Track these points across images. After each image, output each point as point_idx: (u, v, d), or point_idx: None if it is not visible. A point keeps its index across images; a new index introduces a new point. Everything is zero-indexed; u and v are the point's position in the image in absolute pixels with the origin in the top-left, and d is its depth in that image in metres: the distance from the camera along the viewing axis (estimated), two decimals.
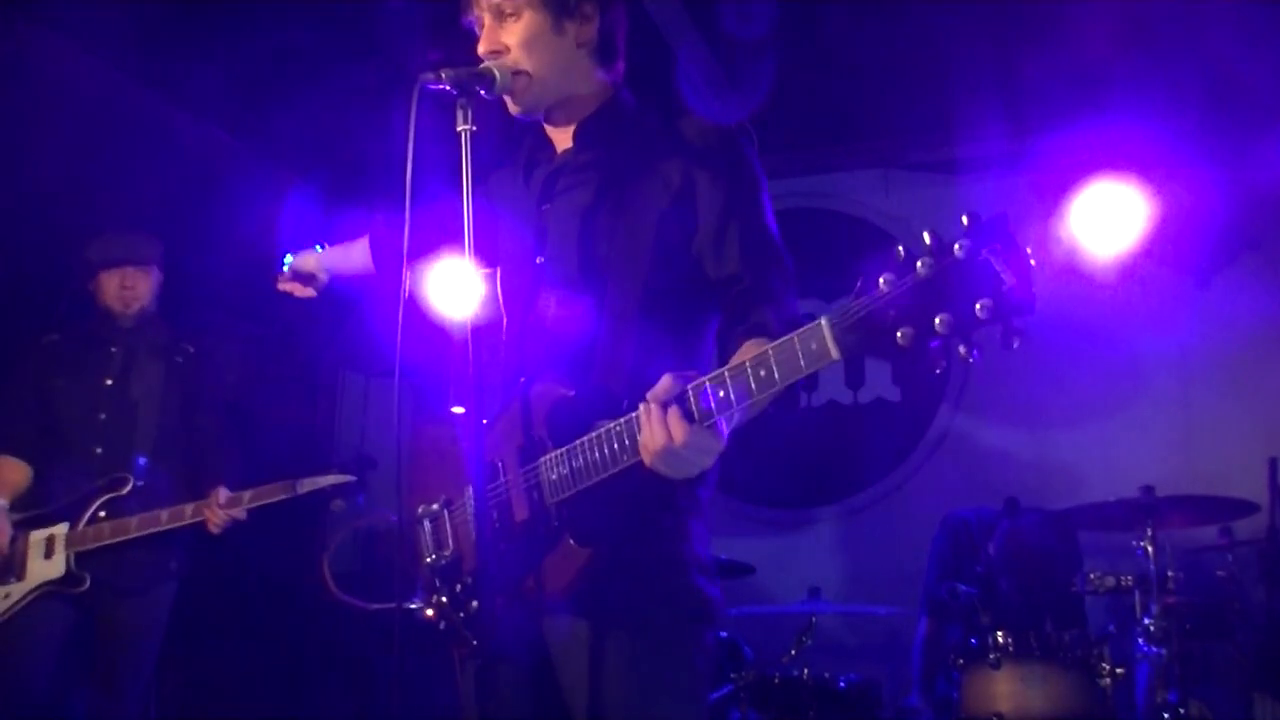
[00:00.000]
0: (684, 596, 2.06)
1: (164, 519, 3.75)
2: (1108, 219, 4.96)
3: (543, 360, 2.12)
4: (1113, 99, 4.82)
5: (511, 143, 2.40)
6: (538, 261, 2.22)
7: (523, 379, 2.11)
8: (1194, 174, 5.15)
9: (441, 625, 2.10)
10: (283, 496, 3.74)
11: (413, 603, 2.15)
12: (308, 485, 3.73)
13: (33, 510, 3.87)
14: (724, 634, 4.37)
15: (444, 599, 2.11)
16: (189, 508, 3.76)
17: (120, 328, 4.08)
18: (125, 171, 4.19)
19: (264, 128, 5.49)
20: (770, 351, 1.71)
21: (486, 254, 2.27)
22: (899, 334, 1.54)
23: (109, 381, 4.03)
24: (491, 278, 2.28)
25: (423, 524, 2.21)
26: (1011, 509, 4.73)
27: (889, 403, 5.84)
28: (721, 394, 1.76)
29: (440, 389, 2.32)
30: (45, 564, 3.77)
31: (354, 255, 2.80)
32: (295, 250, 2.95)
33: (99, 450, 3.93)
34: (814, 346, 1.65)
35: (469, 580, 2.08)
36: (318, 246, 2.90)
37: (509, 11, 2.17)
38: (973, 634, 4.06)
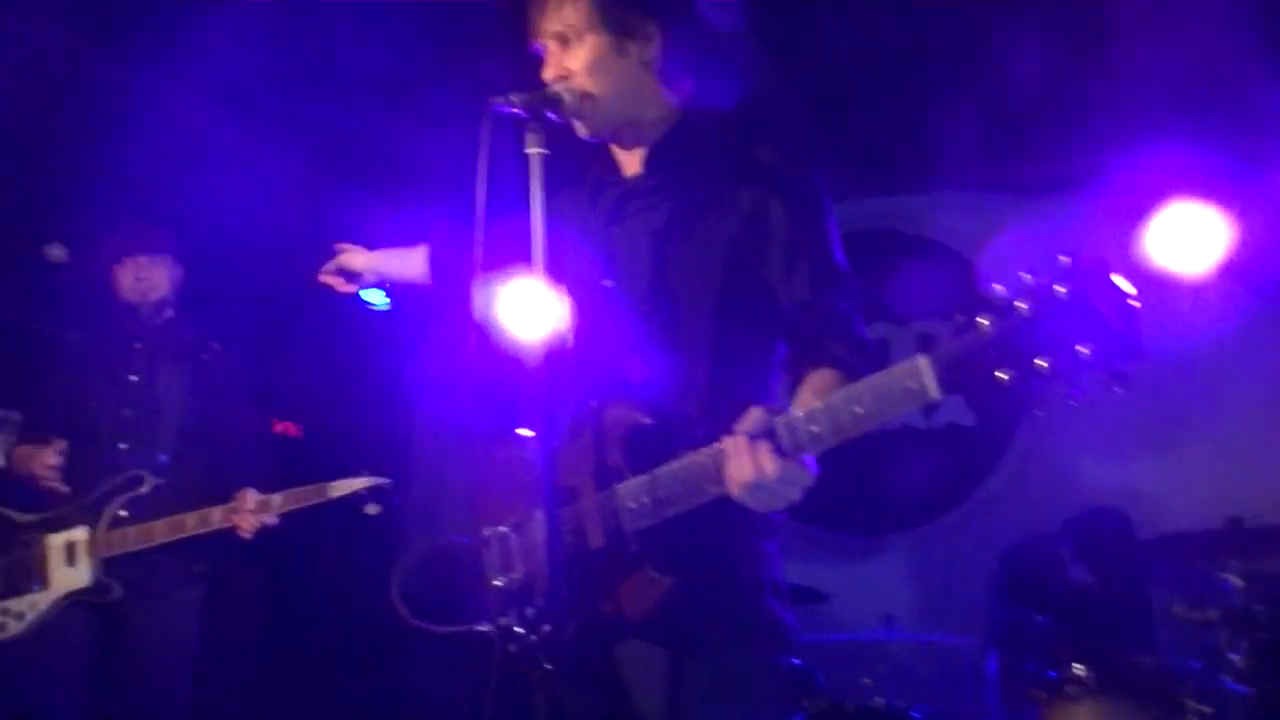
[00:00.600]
0: (760, 622, 2.05)
1: (190, 524, 3.62)
2: (1186, 241, 4.84)
3: (612, 384, 2.12)
4: (1186, 118, 4.72)
5: (577, 163, 2.40)
6: (606, 284, 2.22)
7: (593, 403, 2.11)
8: (1275, 194, 5.00)
9: (511, 648, 2.09)
10: (315, 500, 3.60)
11: (481, 626, 2.15)
12: (340, 488, 3.56)
13: (47, 511, 3.75)
14: (797, 661, 4.31)
15: (514, 622, 2.10)
16: (216, 512, 3.62)
17: (143, 322, 4.02)
18: (190, 178, 4.22)
19: (336, 144, 5.56)
20: (865, 388, 1.70)
21: (553, 275, 2.28)
22: (1000, 375, 1.54)
23: (134, 377, 3.95)
24: (558, 299, 2.29)
25: (489, 546, 2.20)
26: (1088, 534, 4.61)
27: (963, 427, 5.74)
28: (814, 429, 1.74)
29: (507, 410, 2.32)
30: (69, 571, 3.64)
31: (409, 262, 2.80)
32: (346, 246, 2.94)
33: (123, 446, 3.84)
34: (912, 385, 1.64)
35: (540, 604, 2.07)
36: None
37: (573, 36, 2.19)
38: (1050, 666, 3.96)
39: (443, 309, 2.76)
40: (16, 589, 3.63)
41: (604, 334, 2.19)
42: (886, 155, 5.78)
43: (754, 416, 1.81)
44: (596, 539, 2.00)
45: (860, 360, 2.04)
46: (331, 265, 2.90)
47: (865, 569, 5.64)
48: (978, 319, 1.57)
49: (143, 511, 3.68)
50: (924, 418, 5.80)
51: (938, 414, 5.77)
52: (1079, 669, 3.80)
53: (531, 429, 2.23)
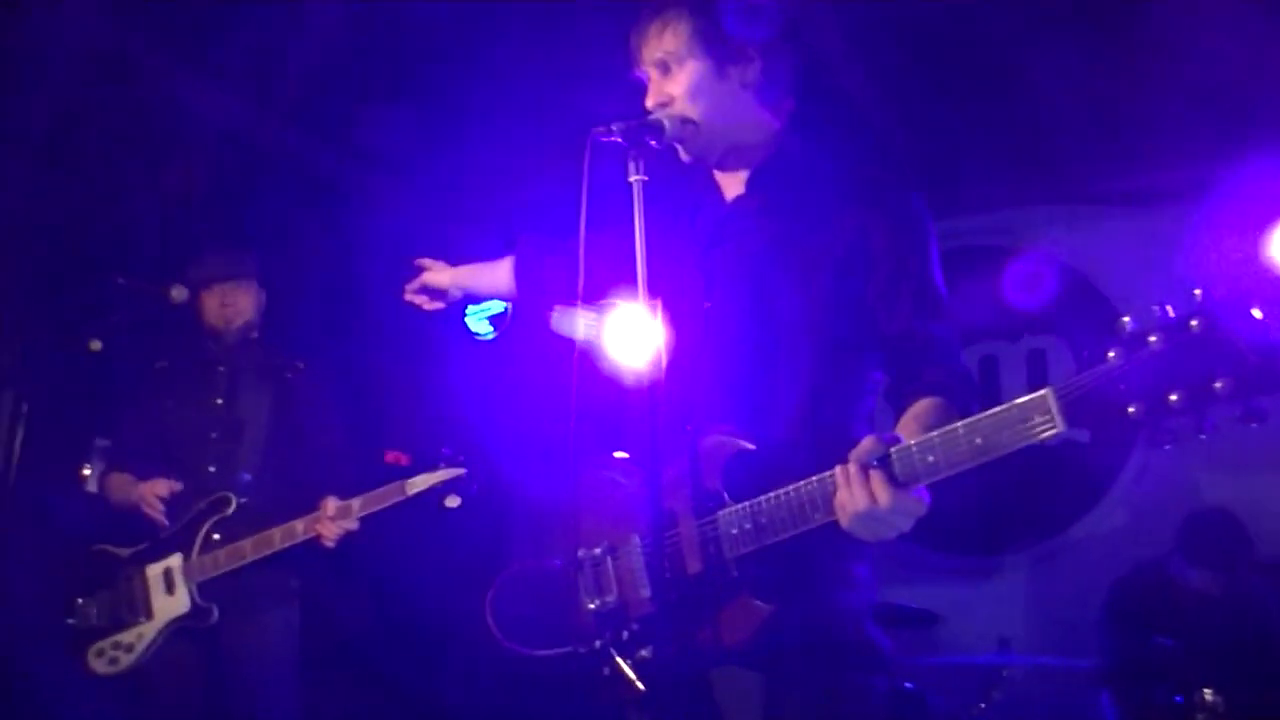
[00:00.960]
0: (855, 645, 2.04)
1: (277, 539, 3.61)
2: None
3: (710, 407, 2.12)
4: None
5: (677, 185, 2.41)
6: (705, 306, 2.22)
7: (689, 427, 2.11)
8: None
9: (606, 671, 2.10)
10: (394, 500, 3.54)
11: (576, 648, 2.16)
12: (417, 484, 3.49)
13: (143, 542, 3.79)
14: (910, 685, 4.24)
15: (609, 645, 2.11)
16: (300, 523, 3.61)
17: (227, 346, 4.04)
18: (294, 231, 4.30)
19: (441, 180, 5.67)
20: (987, 419, 1.68)
21: (653, 298, 2.29)
22: (1129, 409, 1.51)
23: (219, 401, 3.97)
24: (659, 324, 2.30)
25: (583, 568, 2.21)
26: (1198, 535, 4.43)
27: (1079, 444, 5.58)
28: (930, 459, 1.73)
29: (601, 432, 2.33)
30: (169, 600, 3.67)
31: (494, 275, 2.81)
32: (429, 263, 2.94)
33: (211, 469, 3.85)
34: (1037, 417, 1.62)
35: (636, 627, 2.08)
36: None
37: (672, 63, 2.21)
38: (1176, 692, 3.82)
39: (527, 321, 2.77)
40: (123, 622, 3.68)
41: (702, 356, 2.19)
42: (986, 169, 5.67)
43: (868, 445, 1.79)
44: (695, 564, 2.00)
45: (962, 388, 2.02)
46: (416, 283, 2.91)
47: (980, 591, 5.52)
48: (1107, 352, 1.54)
49: (232, 532, 3.69)
50: None
51: None
52: (1208, 694, 3.67)
53: (629, 451, 2.25)
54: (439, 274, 2.88)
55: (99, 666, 3.66)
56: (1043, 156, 5.55)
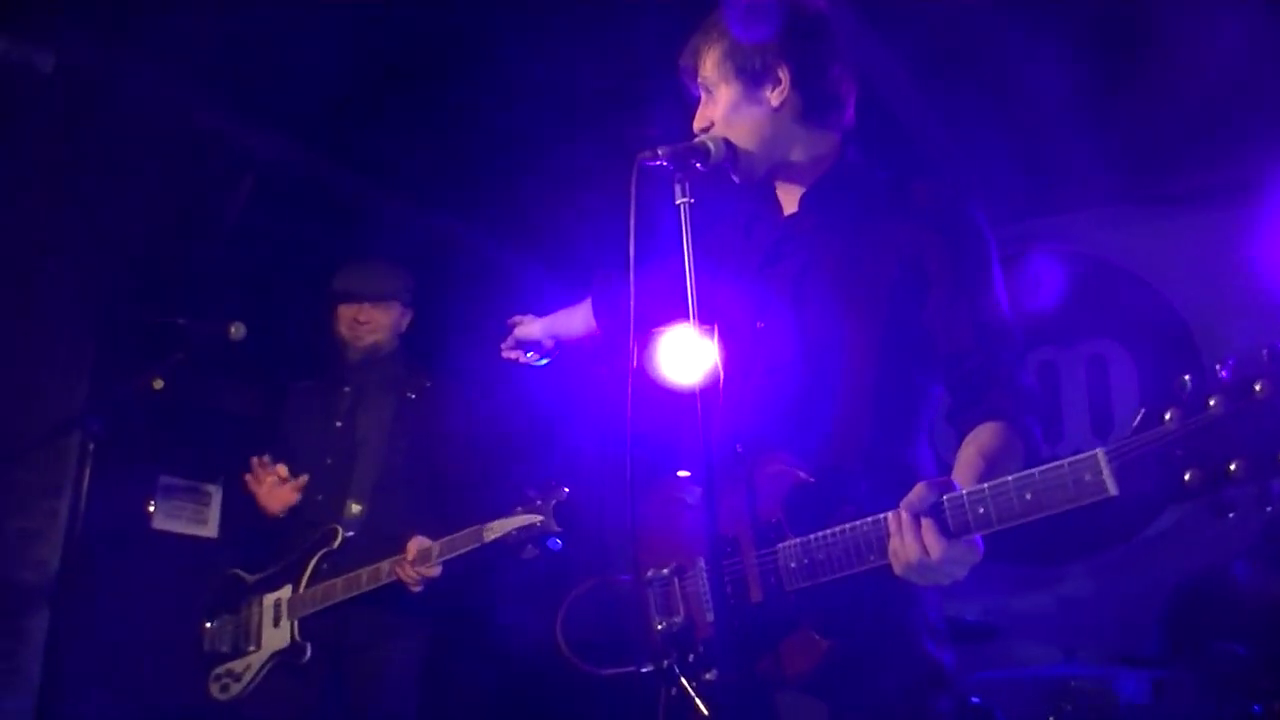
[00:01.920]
0: (917, 665, 2.01)
1: (364, 579, 3.48)
2: None
3: (762, 429, 2.11)
4: None
5: (734, 200, 2.41)
6: (758, 326, 2.21)
7: (739, 447, 2.10)
8: None
9: (672, 691, 2.10)
10: (472, 546, 3.33)
11: (643, 668, 2.15)
12: (496, 530, 3.27)
13: (261, 571, 3.76)
14: (976, 699, 4.19)
15: (675, 666, 2.10)
16: (386, 565, 3.45)
17: (351, 364, 3.92)
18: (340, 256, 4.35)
19: (481, 209, 5.72)
20: (1038, 475, 1.63)
21: (703, 316, 2.29)
22: (1185, 476, 1.44)
23: (338, 424, 3.85)
24: (709, 341, 2.29)
25: (652, 587, 2.21)
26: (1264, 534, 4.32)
27: None
28: (981, 511, 1.70)
29: (668, 452, 2.32)
30: (275, 632, 3.62)
31: (576, 319, 2.84)
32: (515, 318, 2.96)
33: (320, 498, 3.75)
34: (1088, 478, 1.57)
35: (701, 649, 2.07)
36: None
37: (710, 87, 2.23)
38: (1253, 700, 3.73)
39: (613, 355, 2.78)
40: (239, 650, 3.67)
41: (754, 376, 2.19)
42: (1055, 170, 5.62)
43: (920, 493, 1.76)
44: (756, 594, 2.00)
45: (1025, 411, 2.00)
46: (511, 340, 2.94)
47: (1044, 601, 5.44)
48: (1164, 413, 1.47)
49: (338, 566, 3.59)
50: (1100, 442, 5.56)
51: (1114, 438, 5.53)
52: None
53: (689, 471, 2.24)
54: (529, 326, 2.91)
55: (215, 691, 3.67)
56: (1096, 157, 5.49)
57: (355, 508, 3.71)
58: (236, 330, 3.81)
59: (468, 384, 4.03)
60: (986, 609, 4.56)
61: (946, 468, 2.07)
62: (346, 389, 3.92)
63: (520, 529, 3.22)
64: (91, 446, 3.36)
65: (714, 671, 2.01)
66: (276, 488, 3.76)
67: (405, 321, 4.04)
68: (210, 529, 5.20)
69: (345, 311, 3.95)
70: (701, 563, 2.10)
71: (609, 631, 2.33)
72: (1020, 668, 4.76)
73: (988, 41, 4.52)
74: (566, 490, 3.26)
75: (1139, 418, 1.50)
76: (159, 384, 3.53)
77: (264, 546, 3.86)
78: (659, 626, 2.14)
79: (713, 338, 2.29)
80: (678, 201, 2.01)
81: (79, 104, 4.43)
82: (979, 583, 5.75)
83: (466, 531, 3.35)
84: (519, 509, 3.26)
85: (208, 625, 3.80)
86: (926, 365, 2.12)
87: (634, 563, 2.22)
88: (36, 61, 4.10)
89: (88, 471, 3.35)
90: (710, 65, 2.23)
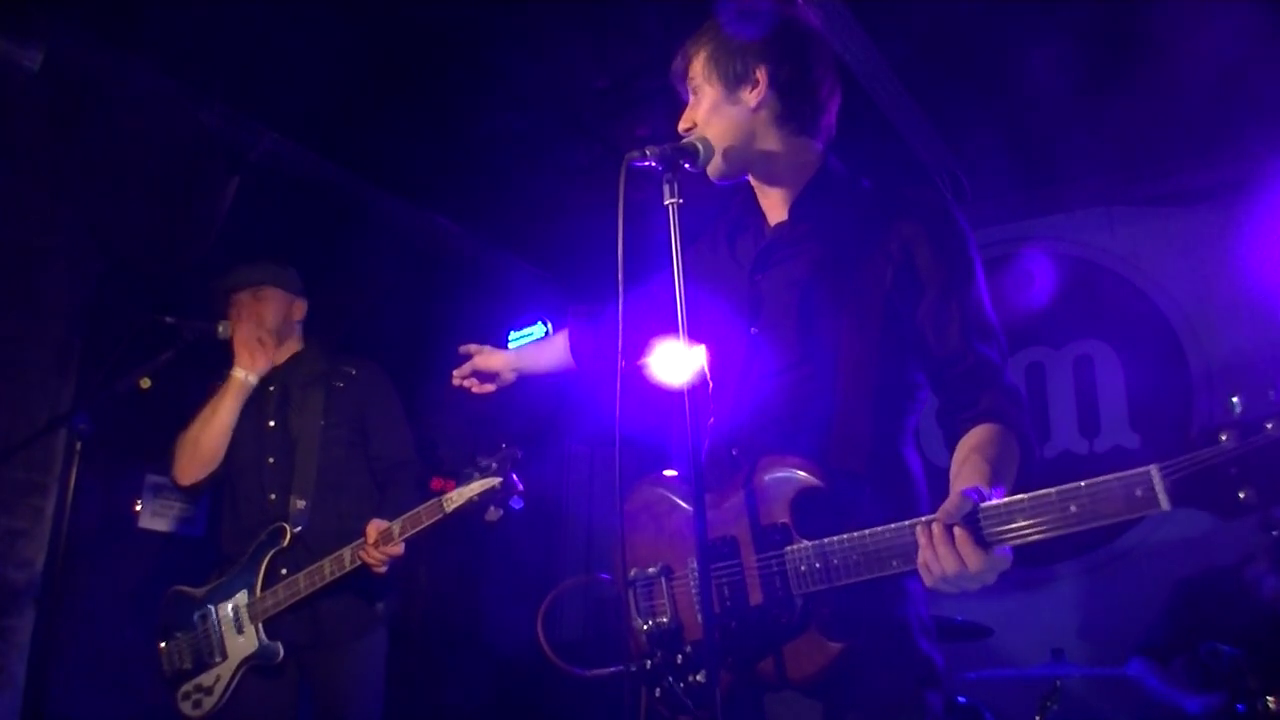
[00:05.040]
0: (910, 662, 2.01)
1: (328, 570, 3.48)
2: None
3: (759, 434, 2.11)
4: None
5: (719, 212, 2.42)
6: (751, 332, 2.22)
7: (734, 452, 2.11)
8: None
9: (657, 692, 2.09)
10: (435, 519, 3.32)
11: (628, 668, 2.14)
12: (454, 500, 3.25)
13: (213, 581, 3.72)
14: (963, 699, 4.20)
15: (661, 666, 2.10)
16: (347, 552, 3.46)
17: (274, 365, 3.89)
18: (339, 259, 4.32)
19: (479, 210, 5.72)
20: (1085, 488, 1.65)
21: (695, 324, 2.29)
22: (1240, 494, 1.51)
23: (271, 424, 3.85)
24: (700, 348, 2.29)
25: (635, 588, 2.20)
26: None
27: (1128, 450, 5.52)
28: (1020, 522, 1.71)
29: (662, 453, 2.32)
30: (239, 640, 3.60)
31: (548, 354, 2.83)
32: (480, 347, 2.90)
33: (272, 496, 3.74)
34: (1139, 493, 1.60)
35: (689, 650, 2.07)
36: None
37: (695, 87, 2.26)
38: (1239, 699, 3.75)
39: (590, 389, 2.76)
40: (204, 664, 3.63)
41: (748, 381, 2.19)
42: (1041, 172, 5.64)
43: (955, 503, 1.76)
44: (756, 597, 1.98)
45: (1015, 410, 2.02)
46: (466, 368, 2.89)
47: (1033, 601, 5.45)
48: (1219, 434, 1.53)
49: (294, 564, 3.59)
50: (1087, 441, 5.61)
51: (1100, 438, 5.57)
52: (1271, 702, 3.60)
53: (679, 472, 2.24)
54: (489, 358, 2.87)
55: (186, 709, 3.62)
56: (1086, 159, 5.52)
57: (299, 503, 3.70)
58: (224, 329, 3.81)
59: (393, 369, 4.05)
60: (975, 609, 4.57)
61: (932, 469, 2.08)
62: (271, 388, 3.92)
63: (481, 494, 3.22)
64: (79, 445, 3.34)
65: (703, 673, 2.01)
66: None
67: (298, 309, 4.02)
68: (197, 528, 5.19)
69: (231, 313, 3.92)
70: (693, 563, 2.09)
71: (591, 631, 2.33)
72: (1008, 668, 4.78)
73: (979, 44, 4.53)
74: (520, 452, 3.25)
75: (1193, 435, 1.55)
76: (147, 383, 3.52)
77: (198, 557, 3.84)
78: (644, 627, 2.13)
79: (702, 346, 2.29)
80: (666, 202, 2.01)
81: (67, 102, 4.41)
82: None
83: (427, 505, 3.34)
84: (476, 475, 3.25)
85: (163, 646, 3.76)
86: (916, 368, 2.13)
87: (619, 562, 2.21)
88: (24, 59, 4.08)
89: (75, 470, 3.33)
90: (698, 66, 2.26)
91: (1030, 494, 1.70)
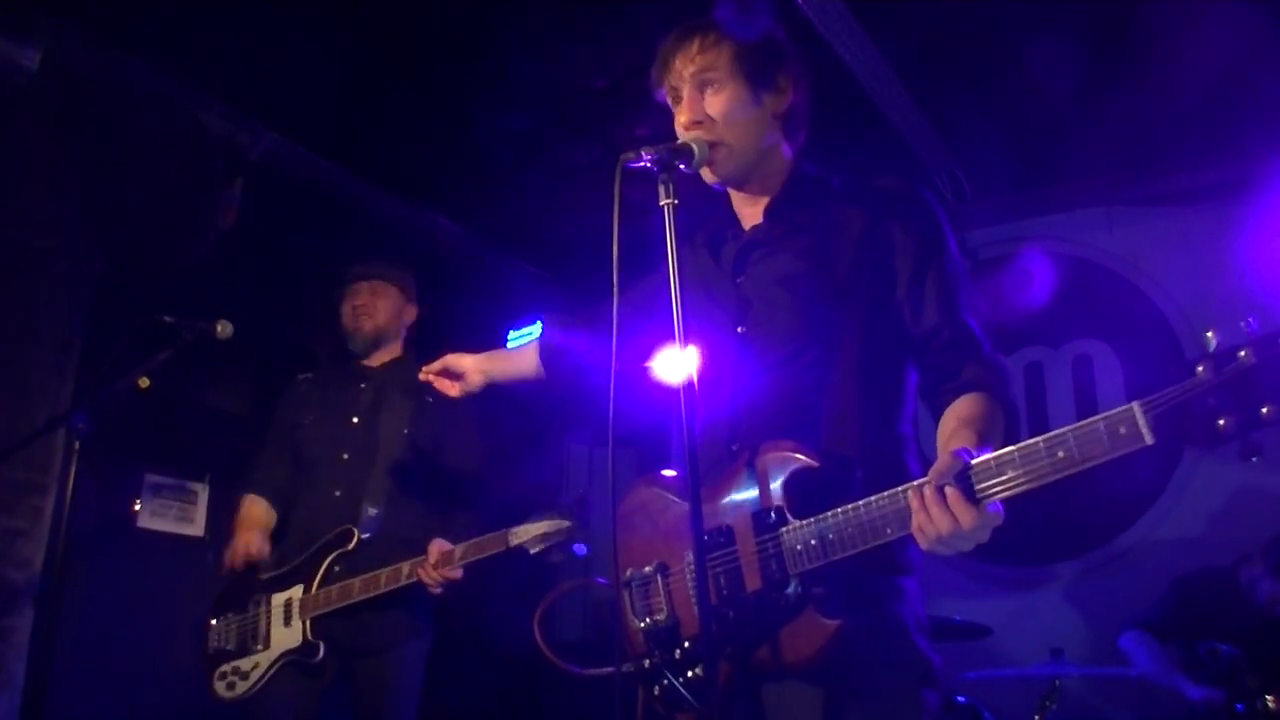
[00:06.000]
0: (908, 660, 2.02)
1: (383, 580, 3.48)
2: None
3: (756, 427, 2.12)
4: None
5: (693, 219, 2.41)
6: (739, 331, 2.23)
7: (735, 447, 2.12)
8: None
9: (655, 691, 2.10)
10: (497, 550, 3.33)
11: (628, 667, 2.15)
12: (520, 535, 3.27)
13: (274, 570, 3.75)
14: (962, 699, 4.20)
15: (660, 663, 2.10)
16: (405, 566, 3.46)
17: (366, 362, 3.97)
18: (339, 259, 4.33)
19: (478, 210, 5.72)
20: (1070, 433, 1.68)
21: (684, 328, 2.28)
22: (1219, 422, 1.56)
23: (355, 420, 3.87)
24: (689, 351, 2.29)
25: (630, 587, 2.21)
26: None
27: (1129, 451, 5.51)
28: (1009, 474, 1.73)
29: (661, 452, 2.32)
30: (286, 631, 3.62)
31: (520, 363, 2.82)
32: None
33: (338, 494, 3.75)
34: (1123, 430, 1.63)
35: (687, 645, 2.07)
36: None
37: (713, 82, 2.23)
38: (1238, 698, 3.76)
39: (562, 397, 2.75)
40: (246, 648, 3.65)
41: (740, 379, 2.20)
42: (1041, 172, 5.64)
43: (946, 463, 1.78)
44: (754, 582, 1.99)
45: (997, 381, 2.04)
46: (436, 365, 2.90)
47: (1031, 600, 5.45)
48: (1195, 367, 1.58)
49: (353, 567, 3.59)
50: None
51: None
52: (1270, 701, 3.61)
53: (675, 471, 2.25)
54: (460, 359, 2.87)
55: (220, 689, 3.64)
56: (1084, 159, 5.52)
57: (371, 510, 3.72)
58: (224, 329, 3.80)
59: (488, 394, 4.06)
60: (974, 609, 4.57)
61: (930, 466, 2.08)
62: (364, 386, 3.96)
63: (547, 534, 3.25)
64: (78, 444, 3.34)
65: (701, 666, 2.01)
66: (251, 545, 3.74)
67: (408, 314, 4.10)
68: (197, 528, 5.19)
69: (346, 300, 4.01)
70: (688, 558, 2.10)
71: (591, 631, 2.33)
72: (1007, 667, 4.78)
73: (978, 44, 4.53)
74: (587, 497, 3.35)
75: (1169, 373, 1.60)
76: (146, 382, 3.52)
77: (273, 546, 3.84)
78: (641, 626, 2.14)
79: (694, 344, 2.29)
80: (662, 203, 2.01)
81: (67, 102, 4.42)
82: (967, 583, 5.81)
83: (493, 535, 3.35)
84: (548, 515, 3.28)
85: (214, 622, 3.78)
86: (901, 349, 2.15)
87: (613, 563, 2.21)
88: (24, 59, 4.09)
89: (74, 469, 3.32)
90: (720, 60, 2.23)
91: (1018, 445, 1.73)
